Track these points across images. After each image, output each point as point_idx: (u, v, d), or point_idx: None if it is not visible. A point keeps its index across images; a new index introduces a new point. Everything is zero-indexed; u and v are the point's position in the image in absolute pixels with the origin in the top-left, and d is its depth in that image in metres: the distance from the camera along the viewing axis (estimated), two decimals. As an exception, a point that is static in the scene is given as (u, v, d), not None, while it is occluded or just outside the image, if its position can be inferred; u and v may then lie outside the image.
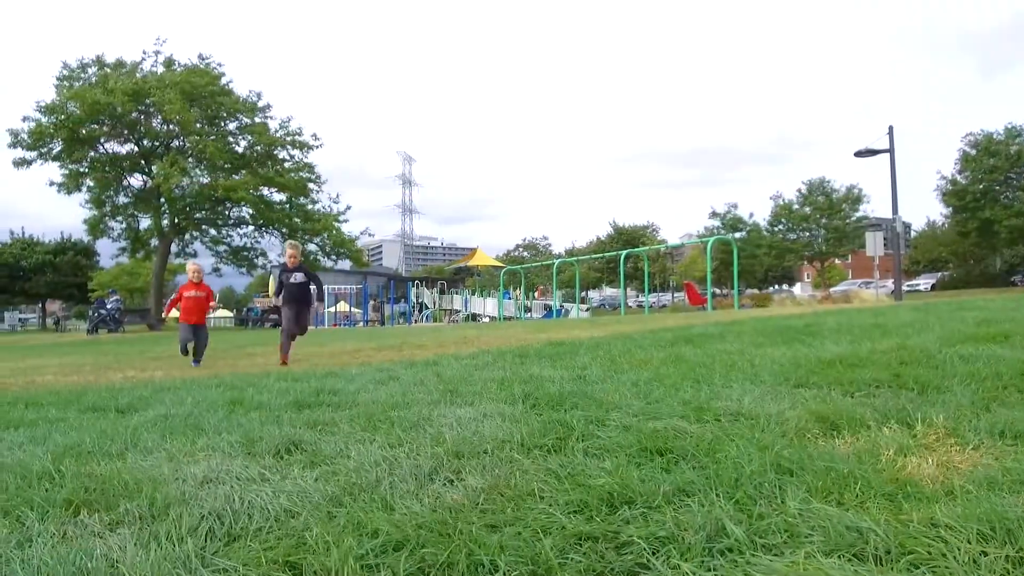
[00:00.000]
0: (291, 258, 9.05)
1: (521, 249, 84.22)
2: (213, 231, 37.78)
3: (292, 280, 8.81)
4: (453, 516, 1.75)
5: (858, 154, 23.95)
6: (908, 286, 45.92)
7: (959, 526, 1.44)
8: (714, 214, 56.69)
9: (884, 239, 26.51)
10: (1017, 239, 44.02)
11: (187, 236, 37.49)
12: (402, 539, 1.60)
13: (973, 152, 44.42)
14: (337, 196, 43.20)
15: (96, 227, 36.26)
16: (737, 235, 52.27)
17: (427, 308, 38.45)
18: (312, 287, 9.11)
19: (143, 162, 35.64)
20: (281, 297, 8.84)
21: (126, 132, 35.13)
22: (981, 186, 43.88)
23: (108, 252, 41.17)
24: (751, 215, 56.60)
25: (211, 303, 9.53)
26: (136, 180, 36.71)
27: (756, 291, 50.77)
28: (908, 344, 4.59)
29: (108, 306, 30.31)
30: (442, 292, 39.95)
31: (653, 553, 1.48)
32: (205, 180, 35.30)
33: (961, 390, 3.05)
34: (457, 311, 37.35)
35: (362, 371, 5.97)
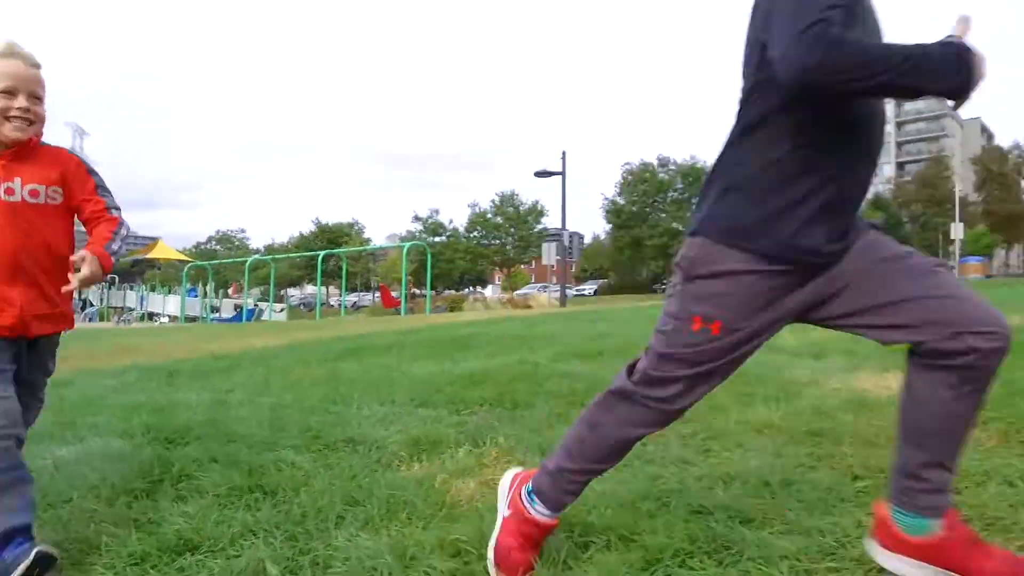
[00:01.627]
0: None
1: (214, 242, 78.24)
2: None
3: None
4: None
5: (537, 174, 26.82)
6: (576, 291, 52.53)
7: (438, 548, 1.80)
8: (417, 218, 59.08)
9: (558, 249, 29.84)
10: (659, 255, 53.05)
11: None
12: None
13: (629, 178, 52.60)
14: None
15: None
16: (437, 239, 54.88)
17: (92, 305, 33.68)
18: None
19: None
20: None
21: None
22: (635, 208, 52.14)
23: None
24: (451, 221, 60.15)
25: (112, 230, 2.00)
26: None
27: (453, 292, 53.76)
28: (528, 359, 5.34)
29: None
30: (111, 286, 35.34)
31: (189, 603, 1.60)
32: None
33: (542, 407, 3.63)
34: (131, 309, 33.36)
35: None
